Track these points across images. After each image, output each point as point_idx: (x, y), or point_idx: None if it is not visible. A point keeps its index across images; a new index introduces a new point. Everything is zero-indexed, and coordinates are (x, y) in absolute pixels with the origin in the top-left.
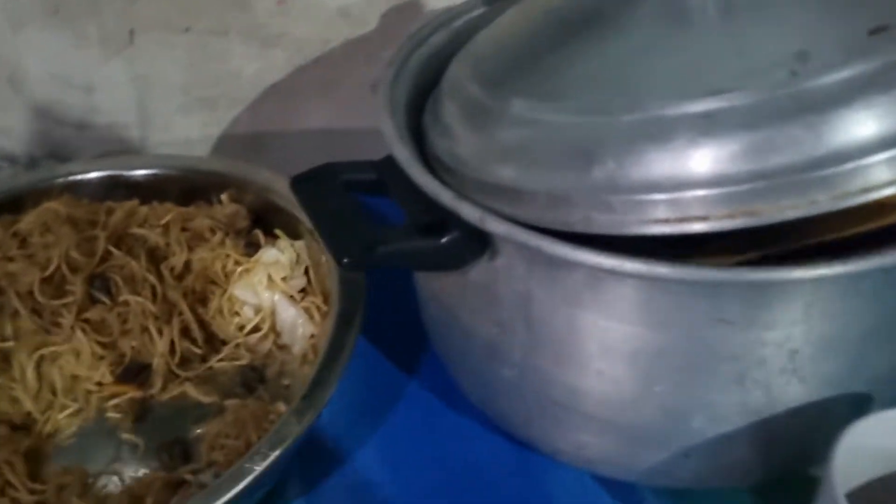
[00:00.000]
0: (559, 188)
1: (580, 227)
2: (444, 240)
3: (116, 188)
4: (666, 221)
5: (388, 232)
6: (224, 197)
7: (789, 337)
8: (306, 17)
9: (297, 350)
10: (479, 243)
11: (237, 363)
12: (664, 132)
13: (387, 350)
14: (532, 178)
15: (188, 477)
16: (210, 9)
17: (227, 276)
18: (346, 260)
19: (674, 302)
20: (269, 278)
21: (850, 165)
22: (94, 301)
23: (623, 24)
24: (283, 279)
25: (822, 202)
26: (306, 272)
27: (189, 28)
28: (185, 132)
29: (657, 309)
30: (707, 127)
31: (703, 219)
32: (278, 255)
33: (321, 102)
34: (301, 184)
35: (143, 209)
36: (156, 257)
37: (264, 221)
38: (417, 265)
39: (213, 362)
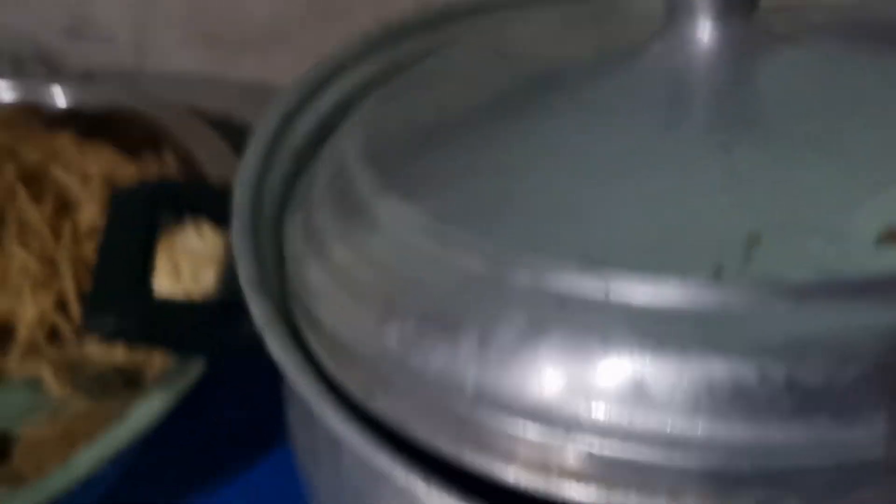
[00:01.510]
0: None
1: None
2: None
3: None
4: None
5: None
6: (171, 158)
7: None
8: None
9: None
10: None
11: (112, 360)
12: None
13: None
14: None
15: None
16: None
17: None
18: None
19: None
20: (177, 269)
21: None
22: None
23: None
24: (195, 275)
25: None
26: None
27: None
28: (183, 66)
29: None
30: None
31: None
32: (197, 244)
33: None
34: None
35: (72, 150)
36: (68, 209)
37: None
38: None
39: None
